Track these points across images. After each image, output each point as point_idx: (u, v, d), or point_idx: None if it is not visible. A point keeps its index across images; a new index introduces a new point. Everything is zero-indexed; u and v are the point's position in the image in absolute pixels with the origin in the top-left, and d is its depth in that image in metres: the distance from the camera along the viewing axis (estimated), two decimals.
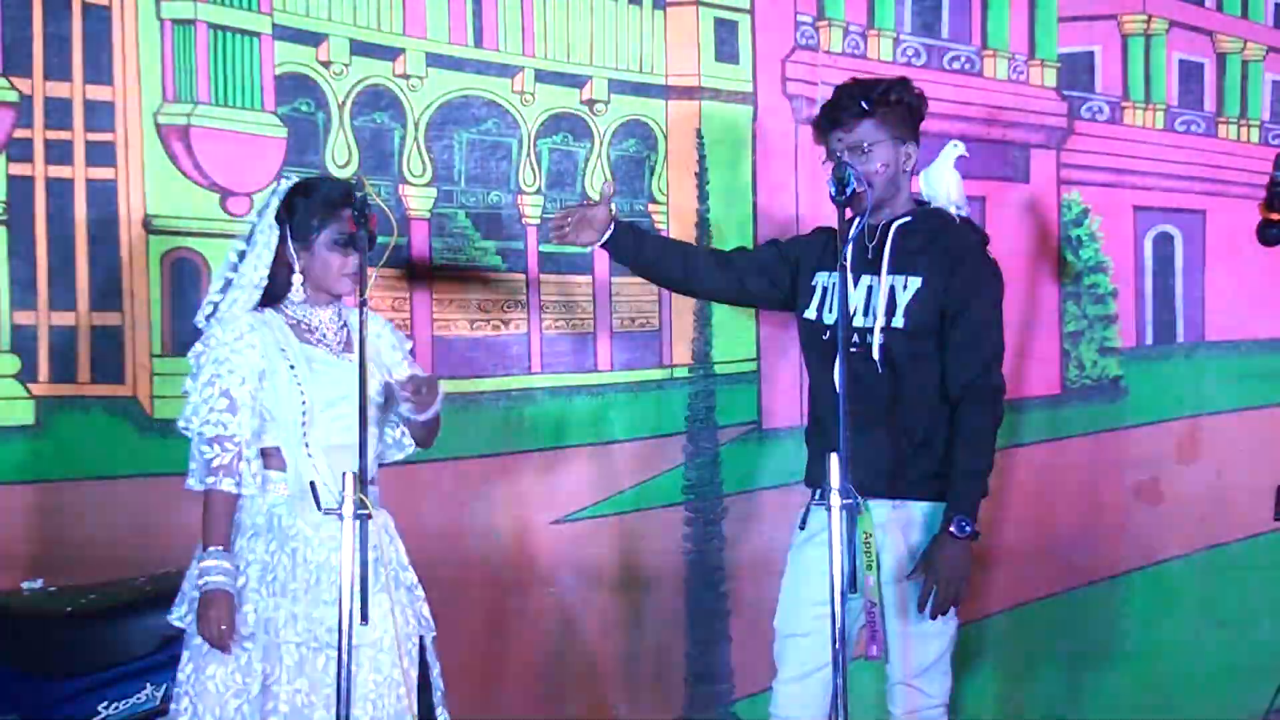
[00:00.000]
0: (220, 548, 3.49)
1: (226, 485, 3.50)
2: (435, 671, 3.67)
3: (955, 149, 3.87)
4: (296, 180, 3.68)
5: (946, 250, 3.74)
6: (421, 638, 3.63)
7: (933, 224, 3.78)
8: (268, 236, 3.57)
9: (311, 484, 3.39)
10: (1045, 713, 5.07)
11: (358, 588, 3.20)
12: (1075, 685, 5.07)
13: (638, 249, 3.98)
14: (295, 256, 3.58)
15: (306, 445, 3.55)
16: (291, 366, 3.55)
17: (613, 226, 3.91)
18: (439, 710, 3.67)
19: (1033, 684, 5.09)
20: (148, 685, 3.82)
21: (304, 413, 3.54)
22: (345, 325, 3.66)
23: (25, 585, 4.03)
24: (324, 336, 3.62)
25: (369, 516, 3.22)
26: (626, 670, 4.87)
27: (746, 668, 4.76)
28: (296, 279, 3.59)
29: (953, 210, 3.84)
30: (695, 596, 4.89)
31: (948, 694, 3.77)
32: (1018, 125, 5.10)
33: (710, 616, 4.89)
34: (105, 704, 3.79)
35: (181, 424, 3.56)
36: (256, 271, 3.57)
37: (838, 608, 3.18)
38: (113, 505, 4.32)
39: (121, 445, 4.33)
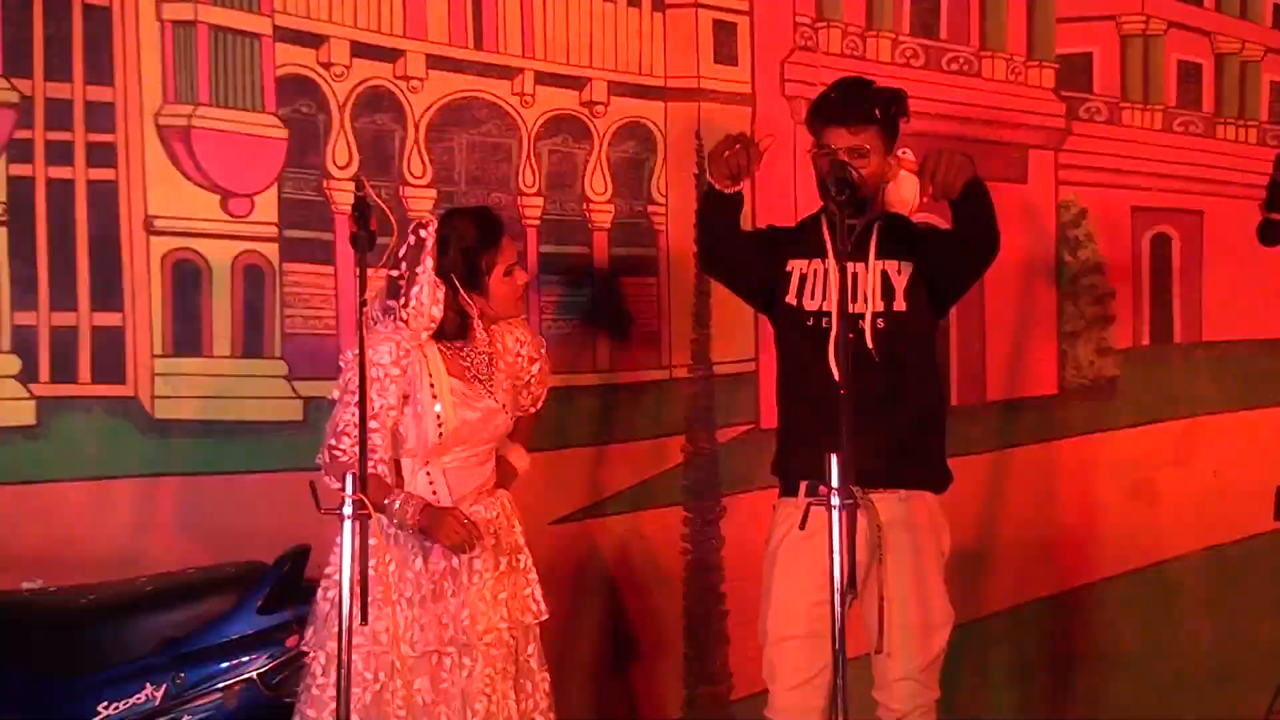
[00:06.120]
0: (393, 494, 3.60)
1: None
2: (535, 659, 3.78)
3: (908, 155, 3.87)
4: (443, 228, 3.70)
5: (920, 236, 3.80)
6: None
7: (904, 222, 3.81)
8: (432, 291, 3.64)
9: (311, 484, 3.40)
10: (1042, 714, 5.07)
11: (358, 588, 3.22)
12: (1073, 686, 5.08)
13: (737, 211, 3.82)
14: (471, 302, 3.69)
15: (428, 466, 3.68)
16: (435, 396, 3.65)
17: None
18: (543, 698, 3.77)
19: (1030, 685, 5.10)
20: (148, 685, 3.82)
21: (439, 437, 3.65)
22: (487, 351, 3.77)
23: (25, 585, 4.03)
24: (478, 375, 3.73)
25: (369, 516, 3.24)
26: (626, 670, 4.88)
27: (745, 668, 4.76)
28: (477, 324, 3.72)
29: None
30: (694, 596, 4.90)
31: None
32: (1016, 126, 5.11)
33: (709, 617, 4.90)
34: (105, 704, 3.79)
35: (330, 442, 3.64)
36: (424, 318, 3.64)
37: (838, 607, 3.19)
38: (113, 505, 4.33)
39: (122, 445, 4.34)
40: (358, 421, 3.39)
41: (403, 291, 3.65)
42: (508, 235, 3.77)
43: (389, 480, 3.63)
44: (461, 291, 3.67)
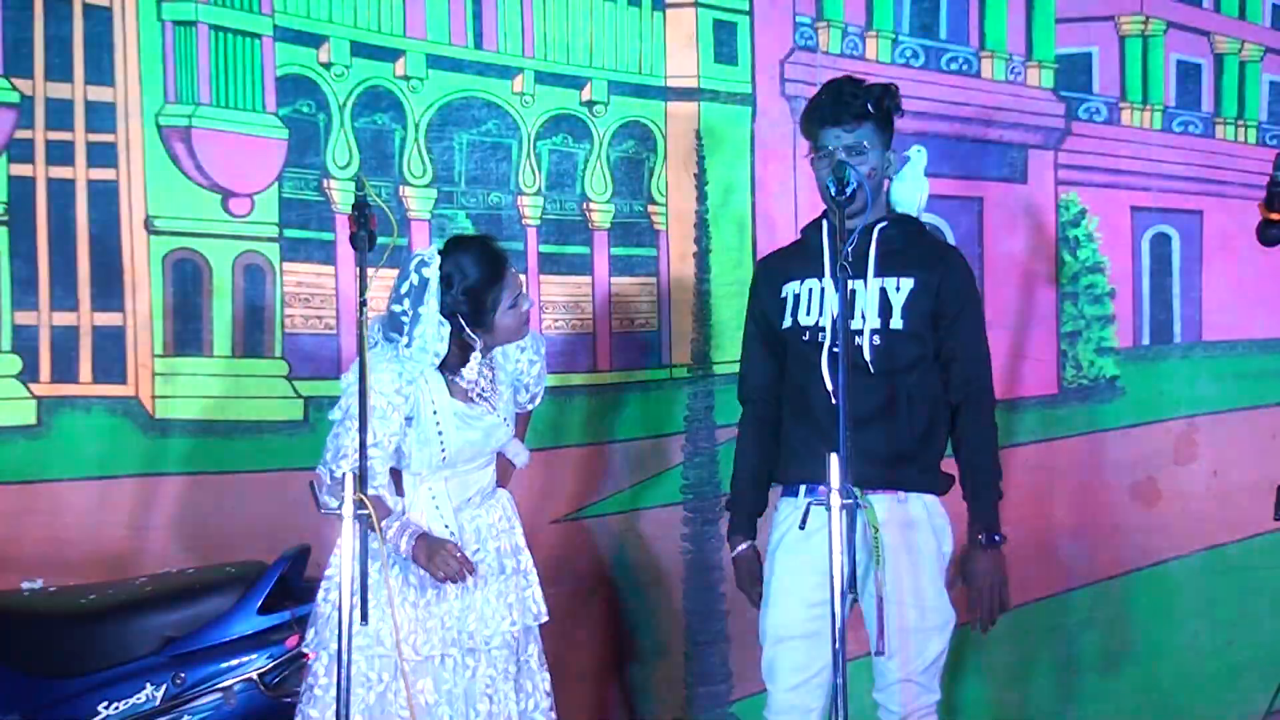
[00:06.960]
0: (390, 517, 3.59)
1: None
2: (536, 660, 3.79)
3: (922, 155, 3.86)
4: (445, 264, 3.64)
5: (931, 252, 3.78)
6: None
7: (909, 228, 3.79)
8: (436, 330, 3.60)
9: (311, 484, 3.40)
10: (1043, 714, 5.07)
11: (359, 587, 3.22)
12: (1073, 687, 5.08)
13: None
14: (477, 339, 3.67)
15: (430, 485, 3.67)
16: (438, 423, 3.63)
17: (752, 546, 3.88)
18: (544, 698, 3.78)
19: (1030, 686, 5.09)
20: (148, 685, 3.83)
21: (443, 460, 3.65)
22: (489, 367, 3.76)
23: (25, 585, 4.04)
24: (481, 393, 3.72)
25: (369, 516, 3.24)
26: (626, 670, 4.88)
27: (745, 668, 4.76)
28: (475, 357, 3.70)
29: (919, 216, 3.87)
30: (694, 596, 4.90)
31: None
32: (1015, 126, 5.11)
33: (709, 616, 4.90)
34: (105, 704, 3.80)
35: (328, 459, 3.62)
36: (428, 355, 3.61)
37: (838, 607, 3.18)
38: (113, 505, 4.33)
39: (122, 445, 4.35)
40: (357, 447, 3.36)
41: (405, 329, 3.60)
42: (510, 266, 3.73)
43: (388, 501, 3.63)
44: (467, 329, 3.65)
